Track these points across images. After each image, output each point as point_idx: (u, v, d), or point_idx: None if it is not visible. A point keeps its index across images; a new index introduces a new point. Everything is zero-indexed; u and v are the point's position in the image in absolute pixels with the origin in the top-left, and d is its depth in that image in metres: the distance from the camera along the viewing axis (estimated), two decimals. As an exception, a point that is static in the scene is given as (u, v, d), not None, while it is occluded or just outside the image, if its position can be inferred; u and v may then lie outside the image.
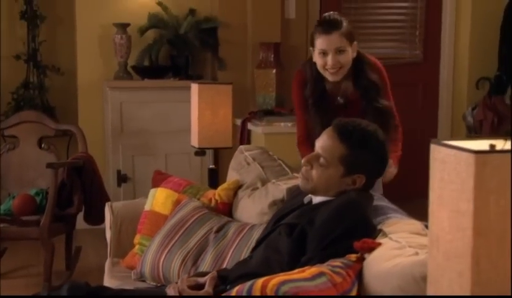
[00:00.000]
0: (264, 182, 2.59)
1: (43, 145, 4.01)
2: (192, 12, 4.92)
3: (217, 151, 3.54)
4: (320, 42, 2.64)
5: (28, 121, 4.00)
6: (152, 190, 2.75)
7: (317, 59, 2.68)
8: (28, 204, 3.64)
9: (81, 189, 3.69)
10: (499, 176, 1.13)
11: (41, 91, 5.05)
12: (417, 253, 1.67)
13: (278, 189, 2.41)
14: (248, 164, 2.74)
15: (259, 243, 2.00)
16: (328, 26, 2.62)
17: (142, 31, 4.82)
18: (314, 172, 1.99)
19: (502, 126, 5.01)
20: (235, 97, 4.95)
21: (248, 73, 4.89)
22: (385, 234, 1.82)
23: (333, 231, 1.81)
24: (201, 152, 3.38)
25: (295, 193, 2.20)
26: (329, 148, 1.97)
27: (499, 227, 1.13)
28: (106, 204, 2.83)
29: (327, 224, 1.84)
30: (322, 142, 2.00)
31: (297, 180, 2.47)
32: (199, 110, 2.99)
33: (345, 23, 2.64)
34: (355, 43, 2.69)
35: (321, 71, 2.68)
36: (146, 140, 4.71)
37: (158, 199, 2.69)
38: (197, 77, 4.80)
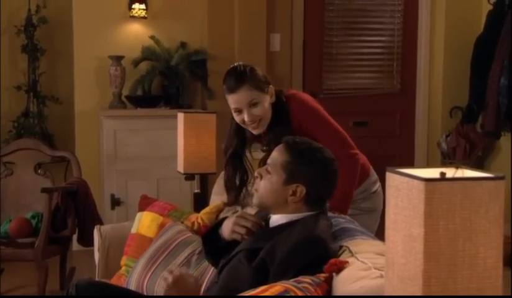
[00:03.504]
0: (244, 206, 2.58)
1: (39, 171, 3.99)
2: (183, 45, 4.94)
3: (205, 176, 3.52)
4: (231, 101, 2.41)
5: (25, 148, 3.99)
6: (138, 214, 2.74)
7: (234, 116, 2.45)
8: (24, 227, 3.62)
9: (74, 212, 3.67)
10: (448, 202, 1.14)
11: (41, 119, 5.05)
12: (381, 276, 1.66)
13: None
14: (230, 189, 2.72)
15: (222, 267, 1.97)
16: (234, 83, 2.37)
17: (136, 63, 4.83)
18: (262, 183, 1.99)
19: (473, 152, 5.02)
20: (223, 124, 4.98)
21: (236, 102, 4.89)
22: (352, 253, 1.81)
23: (294, 268, 1.75)
24: (190, 177, 3.36)
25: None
26: (275, 157, 1.98)
27: (448, 250, 1.13)
28: (95, 227, 2.82)
29: (288, 261, 1.78)
30: (272, 154, 2.01)
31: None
32: (184, 137, 2.98)
33: (251, 73, 2.38)
34: (271, 86, 2.44)
35: (242, 126, 2.46)
36: (139, 166, 4.70)
37: (144, 222, 2.67)
38: (188, 107, 4.81)
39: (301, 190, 1.93)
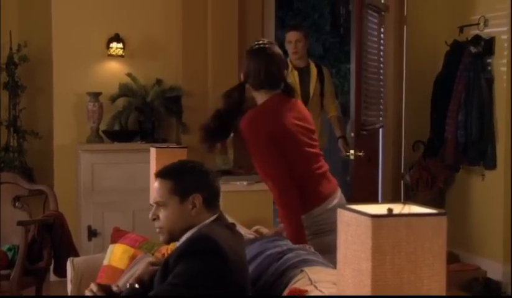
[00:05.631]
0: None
1: (17, 204, 3.94)
2: (159, 81, 4.96)
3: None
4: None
5: (4, 182, 3.95)
6: (110, 246, 2.71)
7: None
8: (0, 259, 3.55)
9: (50, 244, 3.63)
10: (394, 238, 1.15)
11: (21, 154, 5.00)
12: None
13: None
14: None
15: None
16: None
17: (113, 99, 4.83)
18: (161, 218, 2.00)
19: (435, 184, 5.08)
20: (198, 158, 4.98)
21: (209, 137, 4.91)
22: (311, 281, 1.81)
23: (182, 256, 1.83)
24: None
25: None
26: (159, 190, 2.00)
27: (394, 284, 1.14)
28: (68, 259, 2.78)
29: (180, 256, 1.86)
30: (155, 191, 2.03)
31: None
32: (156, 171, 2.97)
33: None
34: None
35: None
36: (115, 198, 4.67)
37: (116, 254, 2.65)
38: (163, 141, 4.81)
39: (198, 197, 1.98)
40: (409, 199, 5.37)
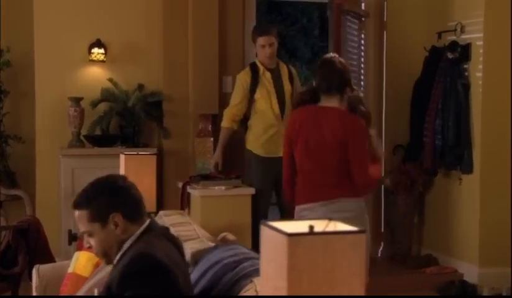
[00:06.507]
0: (176, 246, 2.54)
1: (-7, 209, 3.92)
2: (140, 86, 4.93)
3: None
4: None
5: (-20, 187, 3.92)
6: (76, 254, 2.69)
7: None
8: (-26, 264, 3.53)
9: (25, 250, 3.60)
10: (311, 256, 1.13)
11: (3, 158, 4.97)
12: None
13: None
14: (165, 228, 2.69)
15: None
16: None
17: (94, 104, 4.80)
18: (94, 246, 1.98)
19: (414, 188, 5.06)
20: (179, 162, 4.99)
21: (190, 141, 4.89)
22: (256, 292, 1.80)
23: (130, 281, 1.80)
24: (152, 213, 3.30)
25: None
26: (79, 221, 1.98)
27: (310, 303, 1.12)
28: (34, 267, 2.76)
29: (124, 279, 1.83)
30: (79, 226, 1.99)
31: (204, 244, 2.46)
32: (125, 178, 2.95)
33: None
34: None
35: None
36: (96, 202, 4.63)
37: (81, 262, 2.62)
38: (144, 145, 4.79)
39: (117, 216, 1.95)
40: (389, 203, 5.37)
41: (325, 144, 2.99)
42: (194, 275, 2.20)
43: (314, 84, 3.15)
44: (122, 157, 2.99)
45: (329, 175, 3.01)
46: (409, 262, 4.97)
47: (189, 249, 2.40)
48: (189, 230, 2.68)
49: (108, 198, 1.96)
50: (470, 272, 4.63)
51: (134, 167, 2.97)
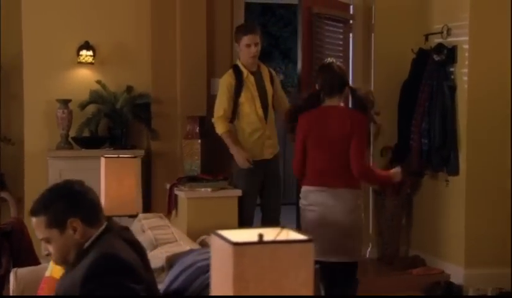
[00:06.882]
0: (154, 249, 2.53)
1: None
2: (129, 88, 4.91)
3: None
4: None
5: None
6: (53, 257, 2.66)
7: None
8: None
9: (9, 252, 3.58)
10: (258, 265, 1.12)
11: (-6, 160, 4.97)
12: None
13: (158, 257, 2.35)
14: (144, 231, 2.69)
15: None
16: None
17: (83, 106, 4.80)
18: (52, 252, 1.97)
19: (402, 189, 5.05)
20: (167, 164, 4.98)
21: (178, 143, 4.87)
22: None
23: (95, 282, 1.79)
24: (133, 216, 3.28)
25: None
26: (37, 228, 1.96)
27: (255, 313, 1.11)
28: (12, 270, 2.74)
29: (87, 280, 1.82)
30: (36, 232, 1.98)
31: (181, 248, 2.45)
32: (106, 181, 2.94)
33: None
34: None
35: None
36: (84, 204, 4.61)
37: (57, 266, 2.60)
38: (132, 147, 4.78)
39: (75, 221, 1.94)
40: (377, 205, 5.35)
41: (334, 137, 3.42)
42: (167, 279, 2.19)
43: (317, 87, 3.54)
44: (103, 160, 2.97)
45: (335, 165, 3.43)
46: (396, 263, 4.96)
47: (165, 252, 2.39)
48: (167, 233, 2.67)
49: (65, 204, 1.95)
50: (456, 273, 4.62)
51: (115, 170, 2.95)
